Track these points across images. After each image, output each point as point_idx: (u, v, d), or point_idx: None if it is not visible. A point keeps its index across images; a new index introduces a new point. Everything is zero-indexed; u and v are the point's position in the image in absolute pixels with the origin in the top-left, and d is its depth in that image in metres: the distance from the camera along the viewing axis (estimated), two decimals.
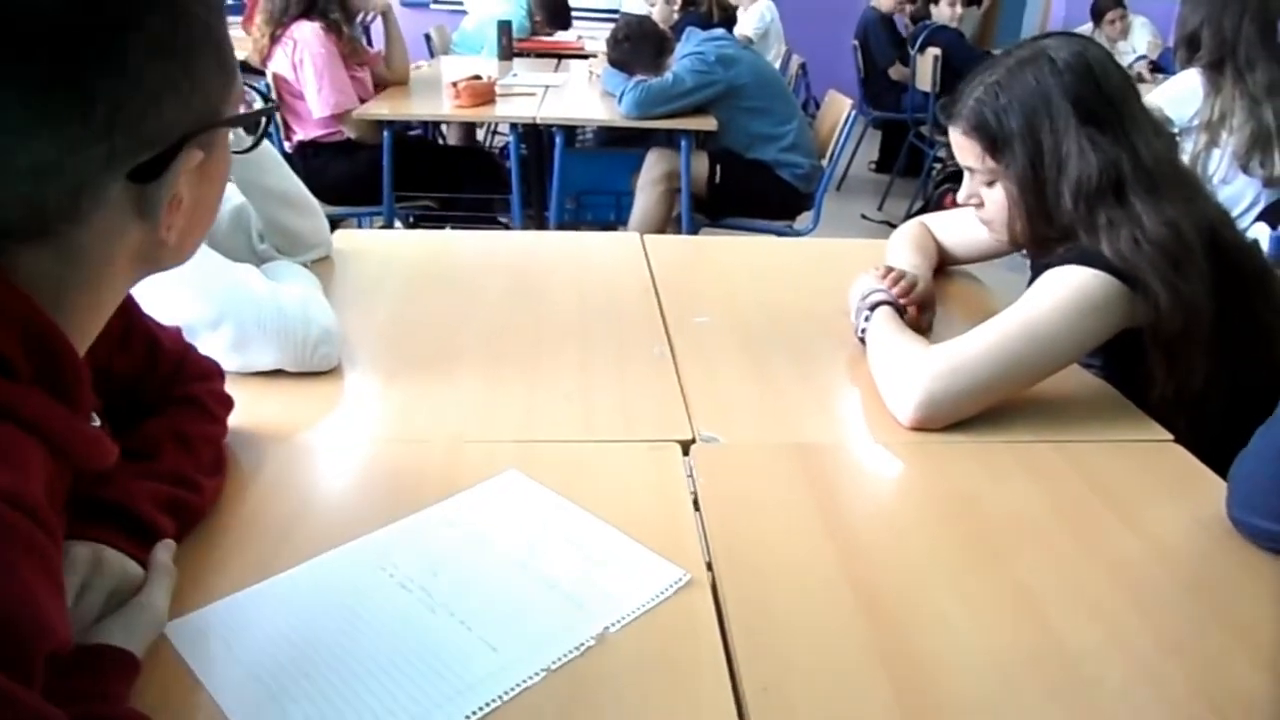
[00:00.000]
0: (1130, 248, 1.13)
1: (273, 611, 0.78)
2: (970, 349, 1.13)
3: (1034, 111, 1.20)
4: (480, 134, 5.07)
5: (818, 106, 4.40)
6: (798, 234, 3.49)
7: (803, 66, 5.57)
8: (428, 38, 5.47)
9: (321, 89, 3.16)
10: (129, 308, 0.83)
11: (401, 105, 3.50)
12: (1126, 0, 5.72)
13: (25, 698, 0.47)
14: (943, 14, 5.31)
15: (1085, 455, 1.09)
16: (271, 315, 1.12)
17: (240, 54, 0.93)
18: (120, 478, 0.78)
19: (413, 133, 4.02)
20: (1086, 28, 5.75)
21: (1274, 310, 1.24)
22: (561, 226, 3.52)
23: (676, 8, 5.16)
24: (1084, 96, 1.19)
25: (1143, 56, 5.58)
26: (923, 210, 3.74)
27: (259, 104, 0.74)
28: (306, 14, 3.17)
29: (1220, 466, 1.00)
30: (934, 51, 4.95)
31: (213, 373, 0.99)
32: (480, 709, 0.69)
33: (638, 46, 3.48)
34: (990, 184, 1.29)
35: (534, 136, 3.90)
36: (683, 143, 3.31)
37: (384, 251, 1.71)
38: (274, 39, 3.18)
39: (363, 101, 3.33)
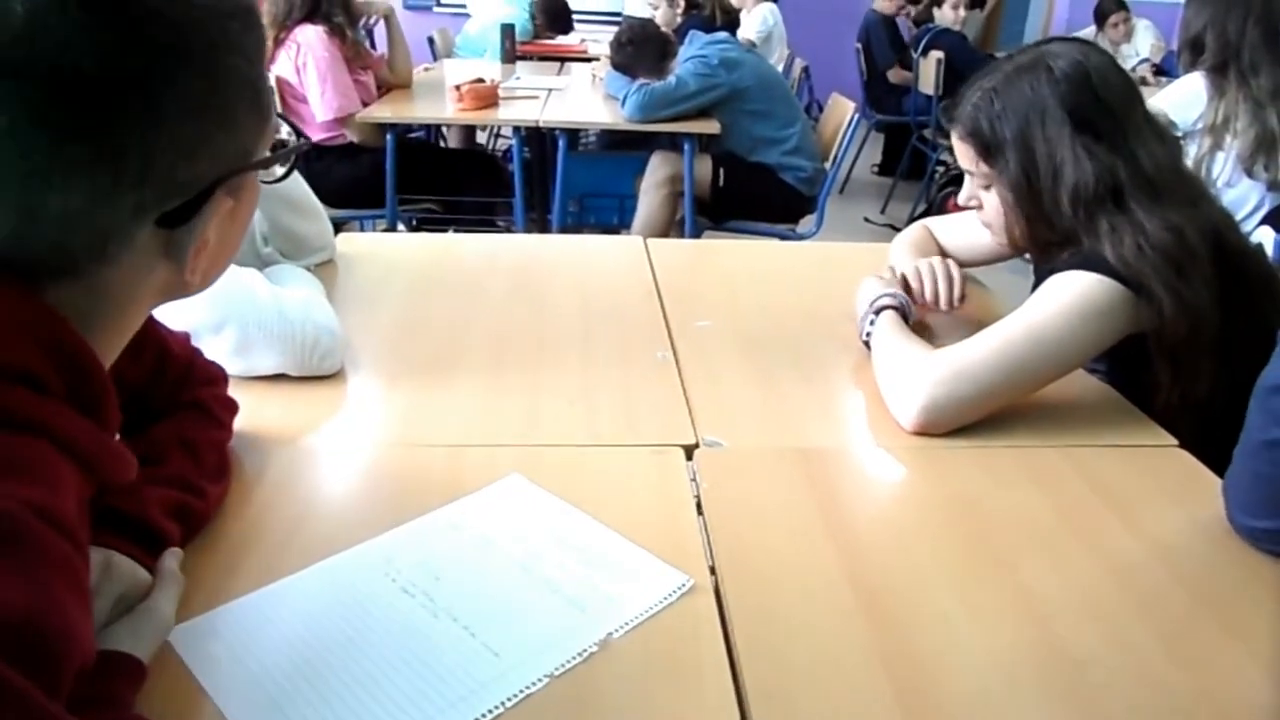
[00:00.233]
0: (1134, 253, 1.13)
1: (276, 616, 0.78)
2: (974, 354, 1.13)
3: (1028, 120, 1.21)
4: (481, 137, 5.08)
5: (821, 109, 4.40)
6: (800, 237, 3.50)
7: (806, 69, 5.58)
8: (431, 41, 5.48)
9: (325, 92, 3.16)
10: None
11: (404, 108, 3.50)
12: (1130, 3, 5.72)
13: (54, 712, 0.47)
14: (946, 17, 5.31)
15: (1089, 460, 1.08)
16: (274, 319, 1.12)
17: None
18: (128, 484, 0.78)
19: (412, 135, 4.03)
20: (1089, 31, 5.76)
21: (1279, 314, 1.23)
22: (564, 230, 3.52)
23: (679, 11, 5.17)
24: (1080, 105, 1.20)
25: (1145, 59, 5.58)
26: (926, 214, 3.74)
27: (285, 130, 0.74)
28: (310, 17, 3.17)
29: (1225, 472, 1.00)
30: (937, 55, 4.95)
31: (218, 378, 0.99)
32: (483, 715, 0.69)
33: (641, 50, 3.48)
34: (987, 188, 1.30)
35: (537, 139, 3.91)
36: (686, 146, 3.31)
37: (387, 255, 1.71)
38: (277, 42, 3.18)
39: (366, 105, 3.34)
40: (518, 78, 4.14)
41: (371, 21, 3.69)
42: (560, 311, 1.46)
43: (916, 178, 5.41)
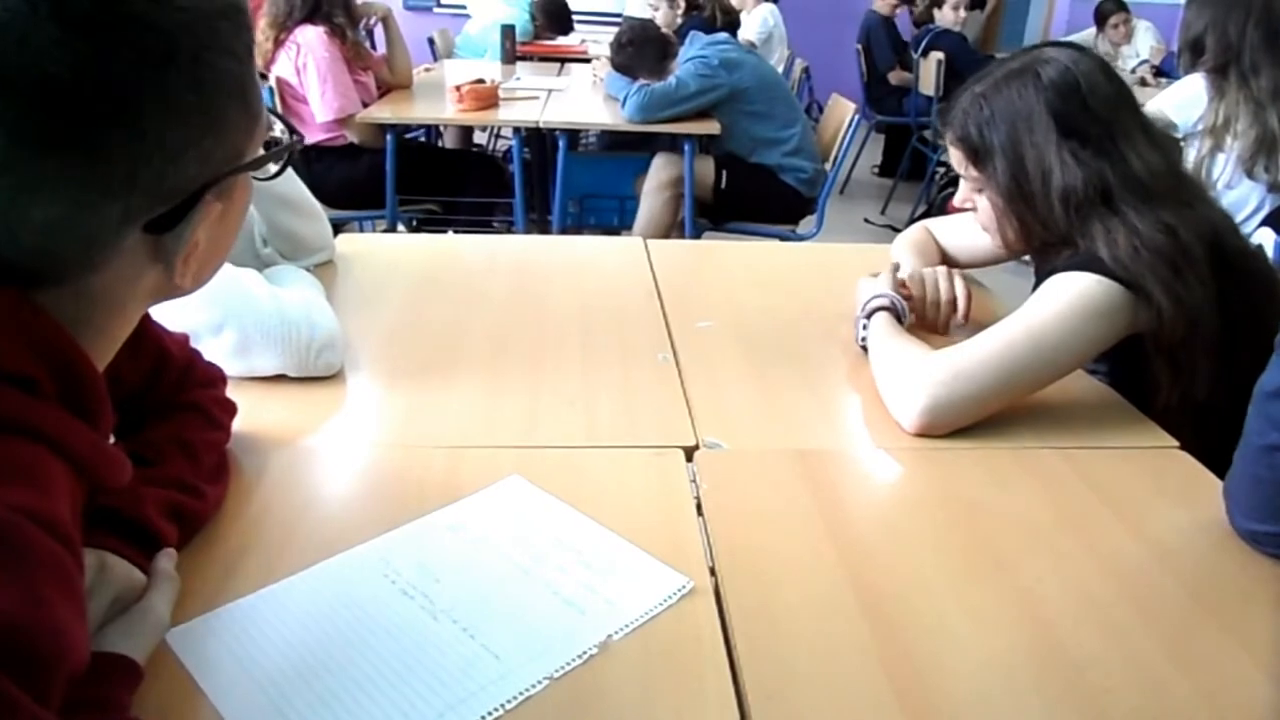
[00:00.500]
0: (1129, 253, 1.14)
1: (274, 618, 0.78)
2: (974, 355, 1.13)
3: (1015, 126, 1.23)
4: (480, 137, 5.08)
5: (821, 110, 4.40)
6: (801, 238, 3.50)
7: (806, 70, 5.58)
8: (431, 41, 5.48)
9: (325, 93, 3.16)
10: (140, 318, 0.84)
11: (404, 109, 3.50)
12: (1130, 4, 5.72)
13: (44, 718, 0.47)
14: (946, 18, 5.32)
15: (1089, 461, 1.08)
16: (274, 320, 1.12)
17: None
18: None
19: (410, 135, 4.03)
20: (1090, 32, 5.76)
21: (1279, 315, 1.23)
22: (564, 231, 3.52)
23: (680, 12, 5.16)
24: (1067, 112, 1.20)
25: (1145, 61, 5.58)
26: (926, 214, 3.73)
27: (279, 127, 0.73)
28: (310, 18, 3.17)
29: (1226, 473, 1.00)
30: (937, 55, 4.95)
31: (216, 379, 0.99)
32: (483, 717, 0.68)
33: (641, 50, 3.48)
34: (980, 191, 1.31)
35: (537, 140, 3.91)
36: (686, 147, 3.31)
37: (387, 255, 1.70)
38: (278, 43, 3.19)
39: (367, 105, 3.34)
40: (518, 78, 4.14)
41: (371, 23, 3.69)
42: (560, 313, 1.46)
43: (917, 179, 5.41)
